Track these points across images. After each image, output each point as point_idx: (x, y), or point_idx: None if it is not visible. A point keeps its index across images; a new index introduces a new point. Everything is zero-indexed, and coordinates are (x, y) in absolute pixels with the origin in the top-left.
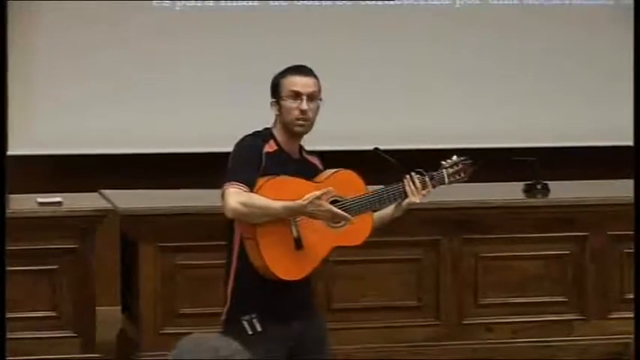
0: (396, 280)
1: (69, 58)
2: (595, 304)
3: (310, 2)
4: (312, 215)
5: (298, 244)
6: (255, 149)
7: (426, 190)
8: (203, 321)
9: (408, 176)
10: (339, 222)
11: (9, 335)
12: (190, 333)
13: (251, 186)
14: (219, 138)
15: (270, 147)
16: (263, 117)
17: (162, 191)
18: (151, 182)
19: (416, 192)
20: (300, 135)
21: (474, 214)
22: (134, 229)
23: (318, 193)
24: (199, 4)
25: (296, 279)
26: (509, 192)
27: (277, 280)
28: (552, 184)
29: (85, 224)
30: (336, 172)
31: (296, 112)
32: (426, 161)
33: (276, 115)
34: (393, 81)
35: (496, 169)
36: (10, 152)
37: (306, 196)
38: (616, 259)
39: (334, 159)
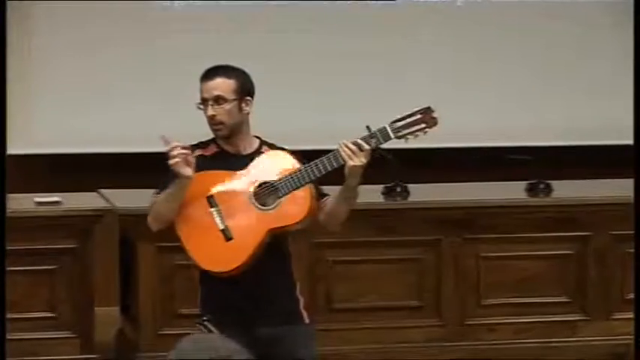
0: (397, 280)
1: (67, 56)
2: (598, 305)
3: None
4: (175, 163)
5: (226, 234)
6: None
7: (364, 151)
8: None
9: (340, 142)
10: (265, 204)
11: (6, 336)
12: (189, 334)
13: None
14: None
15: (207, 151)
16: (264, 116)
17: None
18: (150, 181)
19: (352, 155)
20: (223, 137)
21: (476, 214)
22: (133, 229)
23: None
24: (198, 3)
25: (229, 270)
26: (512, 191)
27: (232, 281)
28: (555, 183)
29: (84, 224)
30: (261, 156)
31: (207, 119)
32: (425, 159)
33: None
34: (390, 78)
35: (497, 168)
36: (7, 151)
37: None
38: (619, 259)
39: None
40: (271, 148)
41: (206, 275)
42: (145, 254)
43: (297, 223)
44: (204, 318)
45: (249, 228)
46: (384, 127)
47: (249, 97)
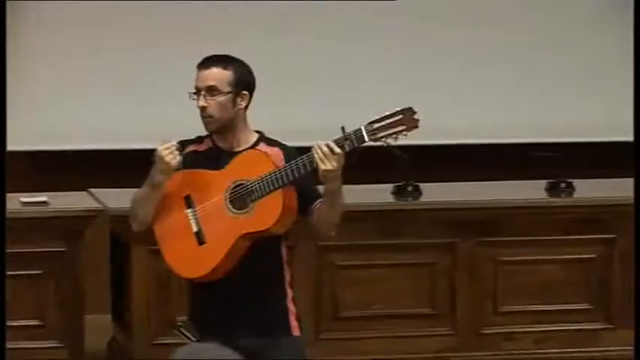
0: (408, 286)
1: (53, 49)
2: (622, 312)
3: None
4: (161, 163)
5: (199, 237)
6: None
7: (337, 154)
8: None
9: (314, 144)
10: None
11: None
12: (186, 343)
13: None
14: None
15: (199, 147)
16: (265, 114)
17: None
18: (143, 180)
19: (324, 158)
20: (214, 132)
21: (493, 215)
22: (126, 231)
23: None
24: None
25: (200, 276)
26: (531, 191)
27: (212, 286)
28: (577, 182)
29: (73, 225)
30: (240, 155)
31: (198, 105)
32: (438, 157)
33: None
34: (404, 74)
35: (516, 166)
36: None
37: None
38: None
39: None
40: (270, 145)
41: (193, 285)
42: (139, 257)
43: (268, 229)
44: (179, 323)
45: (222, 232)
46: (359, 129)
47: (245, 92)
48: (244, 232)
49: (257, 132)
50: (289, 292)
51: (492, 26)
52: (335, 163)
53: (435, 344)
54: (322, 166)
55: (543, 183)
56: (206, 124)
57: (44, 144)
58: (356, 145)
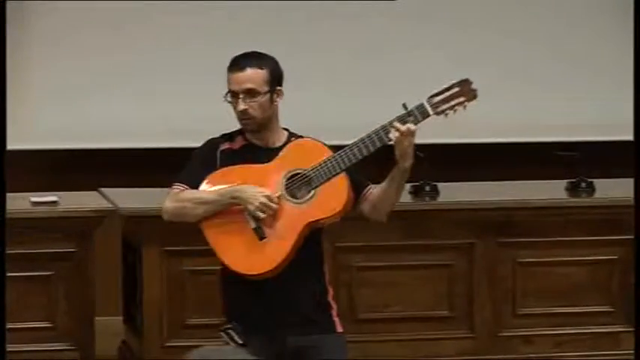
0: (426, 288)
1: (65, 47)
2: None
3: None
4: (243, 201)
5: (258, 233)
6: (205, 149)
7: (413, 131)
8: (213, 333)
9: (388, 123)
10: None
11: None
12: (199, 346)
13: (193, 185)
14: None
15: (233, 144)
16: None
17: (168, 189)
18: (155, 180)
19: (401, 136)
20: (253, 131)
21: (512, 215)
22: (137, 232)
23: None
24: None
25: (265, 272)
26: (551, 191)
27: (256, 285)
28: (598, 182)
29: (83, 226)
30: (288, 146)
31: (237, 112)
32: (456, 156)
33: None
34: (425, 70)
35: (536, 165)
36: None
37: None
38: None
39: None
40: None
41: (229, 279)
42: (150, 259)
43: (335, 214)
44: (228, 326)
45: (284, 224)
46: (422, 104)
47: (280, 87)
48: (310, 219)
49: (284, 129)
50: (330, 289)
51: (513, 23)
52: (412, 140)
53: (453, 347)
54: (400, 145)
55: (563, 183)
56: (245, 125)
57: (54, 143)
58: (420, 120)
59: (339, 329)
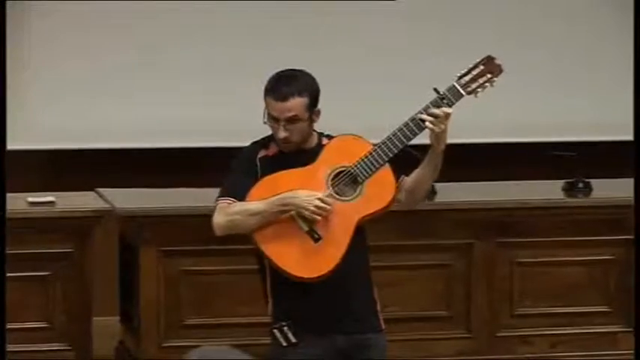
0: (424, 288)
1: (64, 47)
2: None
3: None
4: (296, 207)
5: (314, 235)
6: (244, 158)
7: (447, 114)
8: (210, 332)
9: (422, 110)
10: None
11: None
12: (196, 346)
13: (239, 196)
14: (228, 132)
15: (268, 152)
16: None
17: (166, 190)
18: (153, 180)
19: (436, 121)
20: (291, 151)
21: (510, 215)
22: (134, 232)
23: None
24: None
25: (323, 274)
26: (548, 191)
27: (310, 284)
28: (596, 182)
29: (81, 226)
30: (328, 144)
31: (278, 135)
32: (454, 156)
33: None
34: (425, 70)
35: (534, 165)
36: None
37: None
38: None
39: None
40: (329, 139)
41: (279, 280)
42: (148, 259)
43: (387, 206)
44: (283, 323)
45: (338, 223)
46: (453, 86)
47: (319, 108)
48: (363, 214)
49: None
50: (374, 285)
51: (513, 24)
52: (447, 123)
53: (451, 347)
54: (436, 129)
55: (561, 183)
56: (285, 148)
57: (52, 143)
58: (454, 101)
59: (383, 326)
